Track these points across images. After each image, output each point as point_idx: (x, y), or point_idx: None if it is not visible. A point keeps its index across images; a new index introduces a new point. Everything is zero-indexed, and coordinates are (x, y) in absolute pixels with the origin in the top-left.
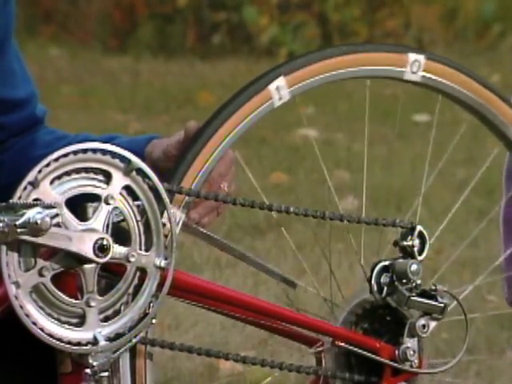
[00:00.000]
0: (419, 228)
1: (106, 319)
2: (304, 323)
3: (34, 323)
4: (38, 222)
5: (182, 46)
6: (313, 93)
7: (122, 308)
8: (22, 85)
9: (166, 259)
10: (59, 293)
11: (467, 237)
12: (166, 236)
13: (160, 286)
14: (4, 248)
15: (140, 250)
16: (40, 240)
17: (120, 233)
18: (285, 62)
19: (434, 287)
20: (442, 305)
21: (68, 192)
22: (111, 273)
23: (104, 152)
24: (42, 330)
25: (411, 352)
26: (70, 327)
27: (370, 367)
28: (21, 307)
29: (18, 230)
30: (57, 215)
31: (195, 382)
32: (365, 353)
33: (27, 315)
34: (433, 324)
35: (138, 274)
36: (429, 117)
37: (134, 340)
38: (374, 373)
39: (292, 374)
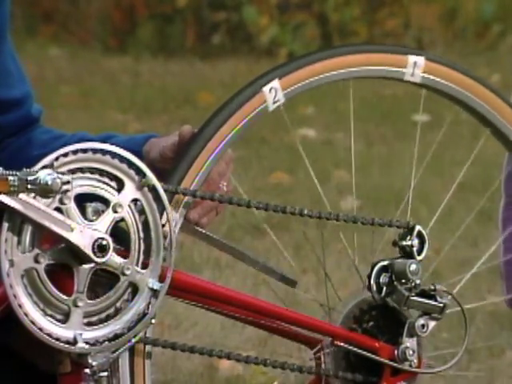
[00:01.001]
0: (418, 228)
1: (89, 324)
2: (304, 323)
3: (32, 322)
4: (49, 182)
5: (182, 46)
6: (313, 93)
7: (107, 318)
8: (17, 85)
9: (160, 282)
10: (50, 284)
11: (467, 237)
12: (165, 237)
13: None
14: (6, 225)
15: (137, 265)
16: (44, 221)
17: (118, 233)
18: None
19: (433, 287)
20: (441, 304)
21: (78, 188)
22: (108, 273)
23: (122, 159)
24: (41, 329)
25: (410, 352)
26: (53, 321)
27: (370, 367)
28: (14, 297)
29: (28, 186)
30: (68, 182)
31: (195, 382)
32: (364, 353)
33: (20, 306)
34: (432, 324)
35: (129, 289)
36: (429, 117)
37: (134, 340)
38: (374, 373)
39: (292, 374)
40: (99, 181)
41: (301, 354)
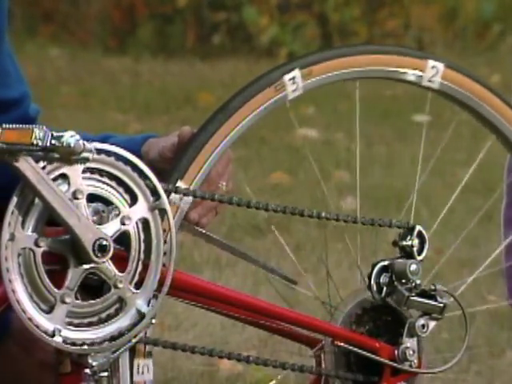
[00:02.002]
0: (418, 228)
1: (70, 324)
2: (304, 323)
3: (18, 301)
4: (72, 144)
5: (182, 46)
6: (313, 93)
7: (89, 324)
8: (15, 85)
9: (148, 306)
10: (43, 272)
11: (467, 237)
12: (165, 242)
13: (159, 286)
14: (16, 199)
15: (130, 283)
16: (55, 203)
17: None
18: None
19: (433, 287)
20: (441, 305)
21: (92, 188)
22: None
23: (141, 175)
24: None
25: (411, 352)
26: (37, 309)
27: (370, 367)
28: (7, 271)
29: (52, 141)
30: (90, 151)
31: (195, 382)
32: (364, 353)
33: (10, 281)
34: (432, 324)
35: (117, 304)
36: (429, 117)
37: (134, 340)
38: (374, 373)
39: (292, 374)
40: (115, 188)
41: (301, 353)
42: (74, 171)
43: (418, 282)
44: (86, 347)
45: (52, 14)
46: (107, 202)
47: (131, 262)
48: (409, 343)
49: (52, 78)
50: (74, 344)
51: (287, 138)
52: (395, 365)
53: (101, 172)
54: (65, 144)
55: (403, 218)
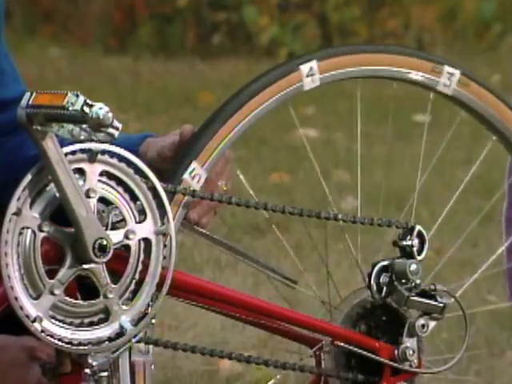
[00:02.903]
0: (418, 228)
1: (53, 317)
2: (304, 323)
3: (8, 276)
4: (101, 116)
5: (182, 46)
6: (313, 93)
7: (70, 324)
8: (12, 84)
9: (132, 325)
10: (40, 258)
11: (467, 237)
12: (165, 237)
13: (160, 285)
14: (30, 177)
15: (119, 299)
16: (67, 187)
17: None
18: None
19: (433, 287)
20: (441, 304)
21: (106, 192)
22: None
23: (156, 196)
24: (12, 288)
25: (411, 352)
26: (25, 291)
27: (370, 367)
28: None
29: (84, 108)
30: (118, 129)
31: (195, 382)
32: (364, 353)
33: (6, 254)
34: (432, 324)
35: (101, 314)
36: (429, 117)
37: (134, 340)
38: (374, 372)
39: (292, 374)
40: (127, 201)
41: (301, 353)
42: (93, 170)
43: (418, 281)
44: (62, 344)
45: (52, 14)
46: (107, 202)
47: (125, 277)
48: (409, 343)
49: (52, 78)
50: (52, 336)
51: (287, 138)
52: (395, 365)
53: (118, 180)
54: (94, 115)
55: (403, 218)
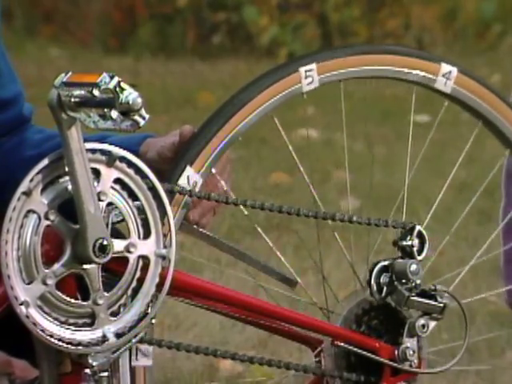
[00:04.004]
0: (418, 228)
1: (39, 307)
2: (304, 323)
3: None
4: (131, 100)
5: (182, 45)
6: (313, 93)
7: (54, 318)
8: (8, 84)
9: (115, 337)
10: (39, 242)
11: (467, 237)
12: (165, 236)
13: (160, 286)
14: (46, 162)
15: (108, 309)
16: (81, 179)
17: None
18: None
19: (433, 287)
20: (441, 305)
21: (116, 199)
22: (111, 272)
23: (164, 215)
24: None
25: (411, 352)
26: (19, 274)
27: (370, 367)
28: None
29: (117, 89)
30: (144, 118)
31: (195, 382)
32: (364, 353)
33: (6, 242)
34: (432, 324)
35: (87, 319)
36: (429, 117)
37: (134, 340)
38: (374, 373)
39: (292, 374)
40: (134, 215)
41: (301, 353)
42: (108, 174)
43: (418, 281)
44: (43, 334)
45: (52, 14)
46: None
47: (118, 289)
48: (409, 343)
49: (52, 78)
50: (34, 325)
51: (287, 137)
52: (395, 365)
53: (130, 192)
54: (124, 98)
55: (396, 215)
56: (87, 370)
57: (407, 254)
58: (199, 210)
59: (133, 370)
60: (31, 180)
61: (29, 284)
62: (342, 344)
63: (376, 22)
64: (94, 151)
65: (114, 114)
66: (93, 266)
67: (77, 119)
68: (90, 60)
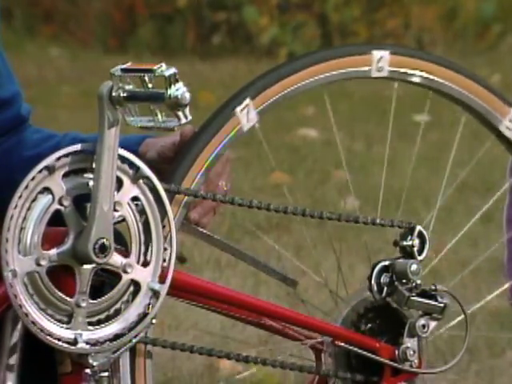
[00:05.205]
0: (419, 228)
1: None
2: (304, 323)
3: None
4: (179, 95)
5: (182, 45)
6: (313, 93)
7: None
8: (6, 84)
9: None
10: (44, 223)
11: (467, 237)
12: (165, 238)
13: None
14: (79, 147)
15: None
16: (104, 174)
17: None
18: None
19: (433, 287)
20: (441, 305)
21: (127, 215)
22: (110, 273)
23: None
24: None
25: (411, 352)
26: (14, 247)
27: (370, 367)
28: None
29: (171, 80)
30: (186, 117)
31: (195, 382)
32: (365, 353)
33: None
34: (433, 324)
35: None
36: (429, 117)
37: (134, 340)
38: (374, 373)
39: (292, 374)
40: (140, 240)
41: (301, 353)
42: (130, 188)
43: (419, 282)
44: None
45: (52, 14)
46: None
47: (101, 303)
48: (409, 343)
49: (52, 78)
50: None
51: (287, 137)
52: (395, 365)
53: (144, 217)
54: (173, 93)
55: (395, 214)
56: (87, 370)
57: (408, 254)
58: (200, 210)
59: (133, 369)
60: (58, 159)
61: (23, 256)
62: (342, 344)
63: (376, 22)
64: (123, 160)
65: (159, 111)
66: (87, 266)
67: (119, 116)
68: (90, 60)
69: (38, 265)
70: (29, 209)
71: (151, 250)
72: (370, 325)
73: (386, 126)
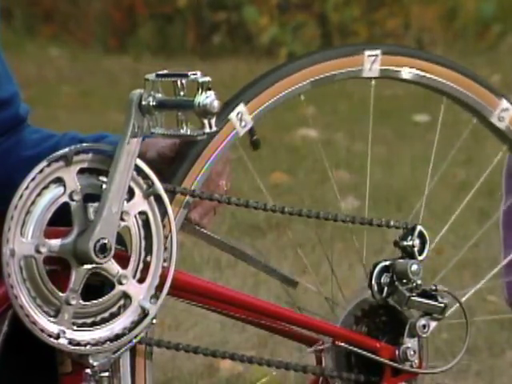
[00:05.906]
0: (419, 228)
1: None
2: (304, 323)
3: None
4: (208, 103)
5: (182, 45)
6: (313, 93)
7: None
8: (4, 85)
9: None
10: (51, 212)
11: (468, 237)
12: (166, 237)
13: (160, 286)
14: (104, 148)
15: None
16: (118, 177)
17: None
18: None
19: (434, 287)
20: (442, 305)
21: (132, 227)
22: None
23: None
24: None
25: (411, 352)
26: (15, 233)
27: (371, 367)
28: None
29: (200, 88)
30: (210, 127)
31: (195, 382)
32: (365, 353)
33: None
34: (433, 324)
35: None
36: (429, 117)
37: (135, 340)
38: (375, 373)
39: (291, 374)
40: (139, 257)
41: (301, 353)
42: (140, 201)
43: (419, 282)
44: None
45: (52, 14)
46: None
47: (89, 307)
48: (409, 343)
49: (52, 78)
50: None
51: (287, 137)
52: (396, 365)
53: (148, 234)
54: (202, 100)
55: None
56: (88, 370)
57: (408, 254)
58: (200, 210)
59: (133, 370)
60: (77, 153)
61: (24, 239)
62: (343, 344)
63: (376, 22)
64: (138, 171)
65: (185, 121)
66: (84, 266)
67: (145, 125)
68: (90, 60)
69: (37, 251)
70: (39, 194)
71: (149, 269)
72: (369, 325)
73: (386, 126)
